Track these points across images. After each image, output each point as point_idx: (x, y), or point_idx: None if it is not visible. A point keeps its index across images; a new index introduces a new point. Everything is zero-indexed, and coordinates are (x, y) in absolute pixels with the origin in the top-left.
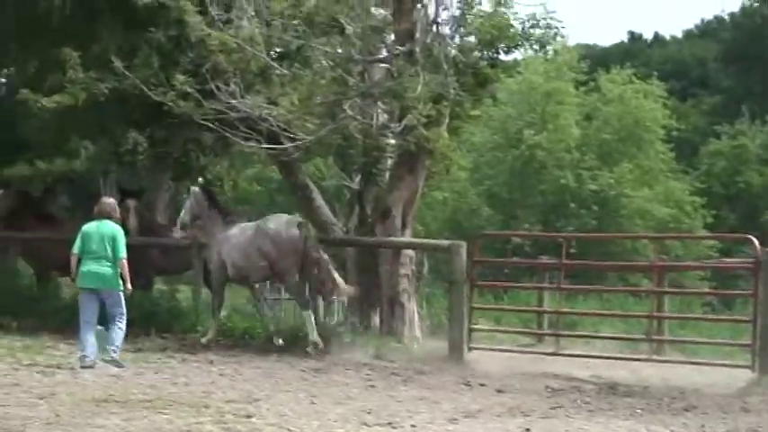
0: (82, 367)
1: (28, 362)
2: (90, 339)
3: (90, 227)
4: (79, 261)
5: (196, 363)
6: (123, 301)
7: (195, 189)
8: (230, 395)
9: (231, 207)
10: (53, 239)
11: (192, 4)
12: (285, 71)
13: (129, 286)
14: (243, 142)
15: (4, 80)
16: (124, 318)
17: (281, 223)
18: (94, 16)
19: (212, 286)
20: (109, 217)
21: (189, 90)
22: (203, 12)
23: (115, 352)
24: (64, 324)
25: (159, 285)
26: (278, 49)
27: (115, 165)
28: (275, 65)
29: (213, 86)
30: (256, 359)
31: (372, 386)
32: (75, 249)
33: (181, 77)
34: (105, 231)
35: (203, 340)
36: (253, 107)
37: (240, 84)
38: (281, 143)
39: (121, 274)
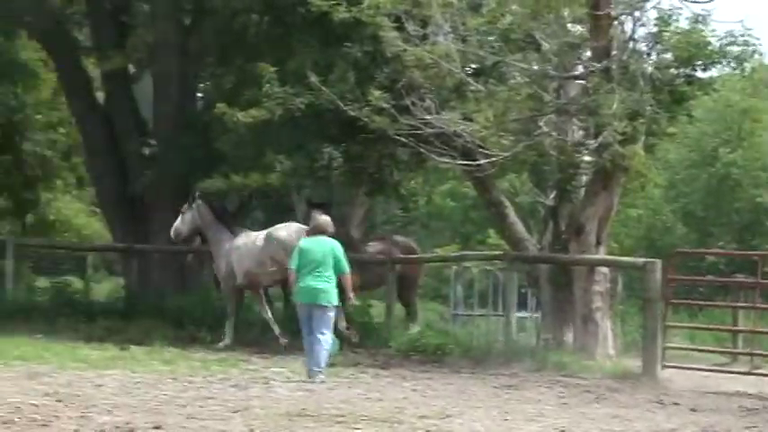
0: (310, 379)
1: (222, 375)
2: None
3: (307, 243)
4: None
5: (389, 378)
6: (332, 320)
7: (199, 202)
8: (423, 411)
9: (233, 218)
10: None
11: (388, 20)
12: (480, 87)
13: (352, 296)
14: (438, 158)
15: (201, 95)
16: (329, 335)
17: (291, 232)
18: (290, 32)
19: (223, 294)
20: (324, 233)
21: (384, 105)
22: (399, 27)
23: (321, 372)
24: (257, 338)
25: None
26: (473, 65)
27: (310, 180)
28: (471, 81)
29: (408, 102)
30: (450, 375)
31: (565, 403)
32: (293, 265)
33: (376, 93)
34: (325, 247)
35: (220, 345)
36: (448, 123)
37: (435, 99)
38: (476, 159)
39: (342, 288)
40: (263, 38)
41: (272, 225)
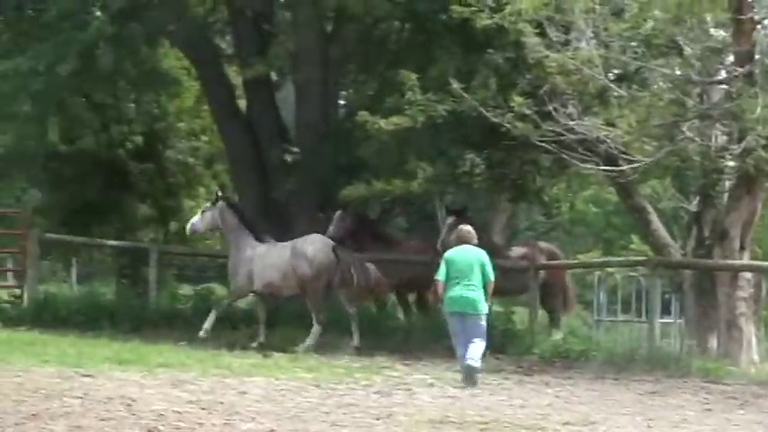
0: (464, 381)
1: (365, 382)
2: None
3: (454, 253)
4: (445, 286)
5: (532, 384)
6: (485, 326)
7: (222, 204)
8: (566, 417)
9: (257, 224)
10: (390, 261)
11: (530, 26)
12: (623, 93)
13: (489, 301)
14: (580, 164)
15: (342, 102)
16: (484, 340)
17: (317, 247)
18: (432, 39)
19: (230, 293)
20: (469, 243)
21: (526, 111)
22: (541, 33)
23: (473, 360)
24: (400, 344)
25: (495, 307)
26: (616, 71)
27: (452, 186)
28: (613, 86)
29: (551, 108)
30: (593, 381)
31: (709, 410)
32: (441, 276)
33: (518, 99)
34: (471, 256)
35: (201, 333)
36: (590, 129)
37: (578, 105)
38: (619, 165)
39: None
40: (404, 45)
41: (416, 232)
